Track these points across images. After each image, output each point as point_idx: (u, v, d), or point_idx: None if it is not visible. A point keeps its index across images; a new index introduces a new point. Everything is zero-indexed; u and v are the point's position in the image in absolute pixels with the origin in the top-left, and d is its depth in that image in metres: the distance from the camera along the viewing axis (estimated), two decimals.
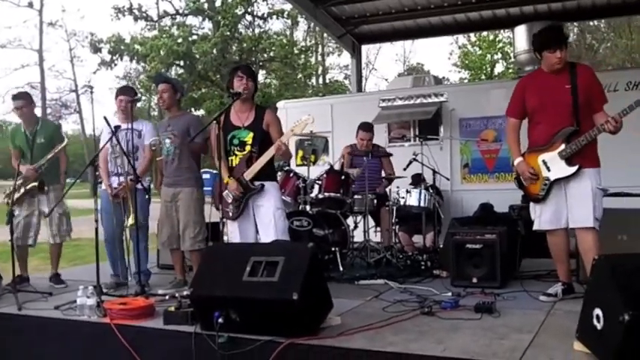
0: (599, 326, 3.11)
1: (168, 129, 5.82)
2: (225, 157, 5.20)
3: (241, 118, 5.18)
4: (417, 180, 7.40)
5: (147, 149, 6.01)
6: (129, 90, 6.30)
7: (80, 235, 7.74)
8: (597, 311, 3.13)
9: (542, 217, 4.83)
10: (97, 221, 5.44)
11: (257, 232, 5.20)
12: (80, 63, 58.66)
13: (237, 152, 5.15)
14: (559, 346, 3.53)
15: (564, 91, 4.63)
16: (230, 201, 5.11)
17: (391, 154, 7.66)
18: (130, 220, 5.63)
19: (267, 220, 5.08)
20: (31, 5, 42.60)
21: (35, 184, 6.06)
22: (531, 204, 4.97)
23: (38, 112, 6.49)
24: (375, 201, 7.08)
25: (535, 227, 4.92)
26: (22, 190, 6.07)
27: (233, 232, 5.23)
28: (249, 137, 5.12)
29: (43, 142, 6.20)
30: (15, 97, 6.32)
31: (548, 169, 4.73)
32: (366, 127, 7.53)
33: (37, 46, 43.32)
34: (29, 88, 38.90)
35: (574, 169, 4.61)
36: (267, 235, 5.05)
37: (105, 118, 5.86)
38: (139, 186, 5.65)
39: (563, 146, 4.64)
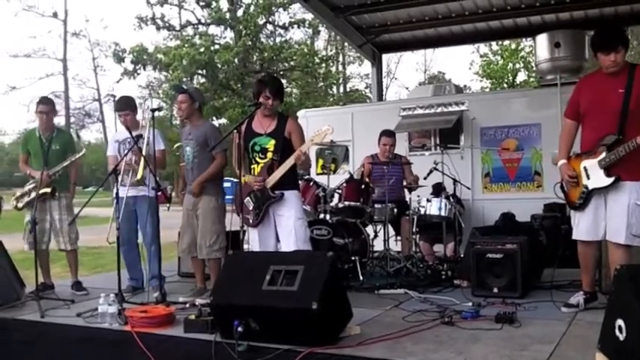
0: (621, 337, 3.06)
1: (189, 137, 5.88)
2: (247, 165, 5.23)
3: (263, 125, 5.20)
4: (438, 189, 7.38)
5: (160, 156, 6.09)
6: (123, 105, 6.30)
7: (101, 244, 7.81)
8: (619, 322, 3.08)
9: (579, 227, 4.69)
10: (118, 229, 5.49)
11: (278, 240, 5.22)
12: (103, 72, 59.33)
13: (258, 160, 5.17)
14: (580, 357, 3.52)
15: (616, 95, 4.44)
16: (251, 208, 5.13)
17: (412, 163, 7.64)
18: (138, 175, 5.74)
19: (287, 230, 5.08)
20: (55, 15, 43.33)
21: (48, 190, 6.11)
22: (572, 212, 4.83)
23: (62, 120, 6.60)
24: (396, 210, 7.06)
25: (573, 236, 4.77)
26: (33, 195, 6.11)
27: (254, 241, 5.25)
28: (270, 144, 5.14)
29: (59, 149, 6.27)
30: (42, 102, 6.43)
31: (588, 177, 4.58)
32: (389, 133, 7.55)
33: (61, 55, 43.98)
34: (53, 97, 39.36)
35: (611, 180, 4.43)
36: (287, 245, 5.06)
37: (127, 127, 5.92)
38: (152, 194, 5.69)
39: (603, 155, 4.46)
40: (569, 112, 4.84)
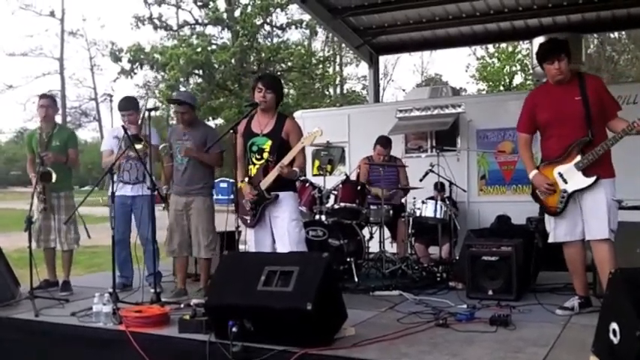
0: (615, 341, 3.07)
1: (184, 138, 5.84)
2: (245, 165, 5.23)
3: (261, 125, 5.17)
4: (442, 187, 7.40)
5: (155, 151, 6.09)
6: (129, 102, 6.38)
7: (97, 243, 7.79)
8: (613, 325, 3.09)
9: (557, 230, 4.80)
10: (113, 229, 5.48)
11: (274, 242, 5.21)
12: (100, 72, 59.27)
13: (255, 161, 5.15)
14: None
15: (575, 102, 4.61)
16: (248, 209, 5.12)
17: (407, 166, 7.65)
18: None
19: (282, 232, 5.07)
20: (52, 14, 43.43)
21: (39, 187, 6.07)
22: (546, 216, 4.92)
23: (59, 119, 6.56)
24: (391, 212, 7.06)
25: (550, 240, 4.89)
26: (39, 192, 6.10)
27: (251, 241, 5.25)
28: (267, 145, 5.10)
29: (59, 144, 6.24)
30: (43, 96, 6.46)
31: (565, 182, 4.68)
32: (384, 143, 7.53)
33: (58, 54, 44.08)
34: None
35: (592, 179, 4.56)
36: (282, 246, 5.04)
37: (123, 127, 5.92)
38: (148, 193, 5.69)
39: (578, 157, 4.60)
40: (525, 126, 4.99)
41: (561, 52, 4.66)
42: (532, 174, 4.88)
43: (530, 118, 4.92)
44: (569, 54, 4.73)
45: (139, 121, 6.04)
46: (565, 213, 4.72)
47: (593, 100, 4.59)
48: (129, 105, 6.27)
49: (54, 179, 6.05)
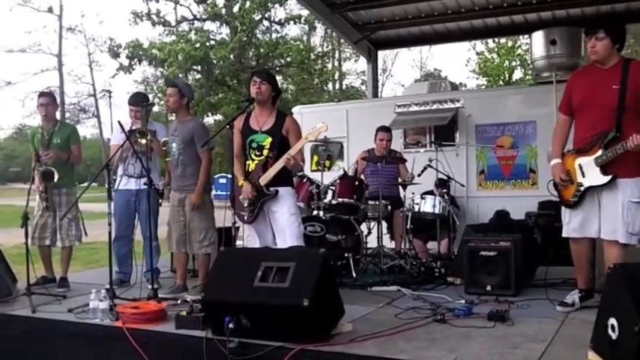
0: (613, 336, 3.06)
1: (175, 133, 5.84)
2: (243, 161, 5.22)
3: (260, 122, 5.15)
4: (443, 184, 7.38)
5: (158, 146, 6.12)
6: (139, 98, 6.41)
7: (95, 239, 7.77)
8: (612, 321, 3.08)
9: (570, 225, 4.61)
10: (110, 225, 5.46)
11: (274, 236, 5.19)
12: (99, 68, 59.16)
13: (254, 157, 5.13)
14: (573, 355, 3.50)
15: (611, 91, 4.31)
16: (246, 205, 5.10)
17: (406, 160, 7.62)
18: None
19: (281, 227, 5.07)
20: (50, 10, 43.28)
21: (40, 186, 6.06)
22: (562, 209, 4.72)
23: (57, 116, 6.53)
24: (389, 207, 7.04)
25: (563, 234, 4.69)
26: (41, 191, 6.10)
27: (250, 237, 5.24)
28: (267, 142, 5.09)
29: (59, 142, 6.22)
30: (42, 94, 6.44)
31: (583, 175, 4.48)
32: (385, 128, 7.56)
33: (56, 50, 43.98)
34: None
35: (607, 178, 4.33)
36: (282, 241, 5.04)
37: (119, 122, 5.89)
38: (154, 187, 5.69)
39: (600, 152, 4.35)
40: (563, 106, 4.73)
41: (599, 29, 4.32)
42: (553, 162, 4.68)
43: (568, 98, 4.65)
44: (616, 35, 4.37)
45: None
46: (581, 208, 4.52)
47: (632, 90, 4.27)
48: (139, 101, 6.24)
49: (56, 179, 6.04)
